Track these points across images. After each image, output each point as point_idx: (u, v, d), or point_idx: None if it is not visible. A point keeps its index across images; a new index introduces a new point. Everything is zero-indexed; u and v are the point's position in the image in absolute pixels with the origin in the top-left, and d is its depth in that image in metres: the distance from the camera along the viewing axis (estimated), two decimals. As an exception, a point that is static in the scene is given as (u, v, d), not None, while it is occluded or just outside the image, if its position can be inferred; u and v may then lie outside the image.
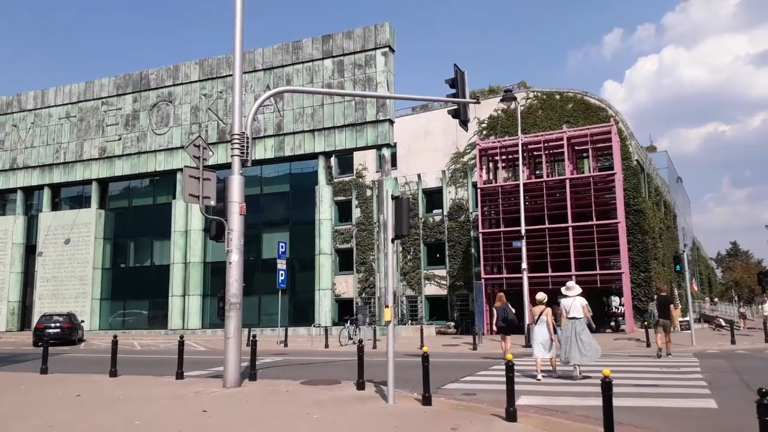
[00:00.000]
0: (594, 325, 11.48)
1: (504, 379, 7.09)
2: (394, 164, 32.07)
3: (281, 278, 22.81)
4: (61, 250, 35.99)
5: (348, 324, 23.52)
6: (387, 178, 29.12)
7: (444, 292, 31.38)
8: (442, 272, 31.55)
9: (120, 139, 35.61)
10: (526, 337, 18.79)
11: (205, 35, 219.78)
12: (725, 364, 13.69)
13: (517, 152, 24.74)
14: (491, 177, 28.73)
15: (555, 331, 11.64)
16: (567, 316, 11.39)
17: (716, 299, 51.88)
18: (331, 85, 30.27)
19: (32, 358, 17.35)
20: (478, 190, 27.70)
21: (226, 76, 32.86)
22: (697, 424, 7.34)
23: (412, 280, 32.03)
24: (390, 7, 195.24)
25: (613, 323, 26.42)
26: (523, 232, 21.90)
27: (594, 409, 7.31)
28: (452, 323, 29.36)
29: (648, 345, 17.83)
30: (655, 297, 17.12)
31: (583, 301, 11.45)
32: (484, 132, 31.56)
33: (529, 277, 21.57)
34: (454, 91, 12.67)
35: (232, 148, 10.75)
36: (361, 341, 10.32)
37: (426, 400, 7.99)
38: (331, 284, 30.86)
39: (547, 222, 25.64)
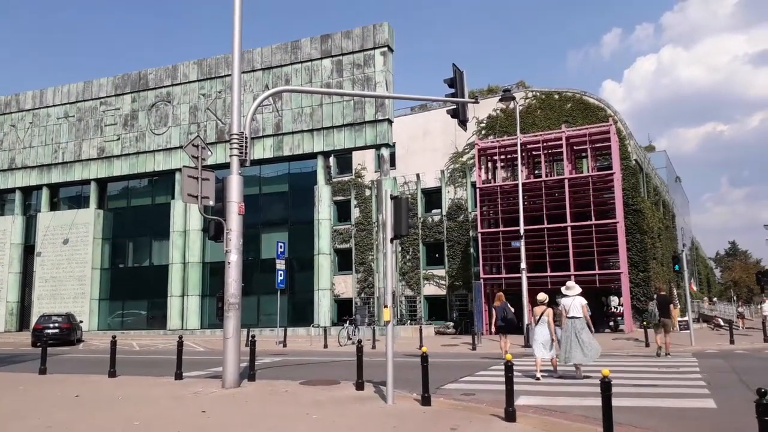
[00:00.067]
0: (592, 327, 11.48)
1: (503, 379, 7.09)
2: (392, 164, 32.07)
3: (280, 278, 22.80)
4: (59, 251, 35.94)
5: (347, 324, 23.51)
6: (386, 178, 29.11)
7: (443, 292, 31.39)
8: (441, 272, 31.56)
9: (118, 139, 35.57)
10: (525, 337, 18.82)
11: (204, 35, 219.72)
12: (724, 363, 13.71)
13: (515, 152, 24.74)
14: (490, 177, 28.73)
15: (555, 331, 11.65)
16: (567, 315, 11.41)
17: (715, 299, 51.93)
18: (329, 85, 30.26)
19: (31, 358, 17.32)
20: (477, 190, 27.71)
21: (225, 75, 32.82)
22: (696, 424, 7.34)
23: (411, 280, 32.03)
24: (389, 7, 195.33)
25: (612, 323, 26.42)
26: (522, 231, 21.92)
27: (593, 409, 7.31)
28: (451, 323, 29.35)
29: (647, 345, 17.84)
30: (655, 296, 17.14)
31: (583, 301, 11.47)
32: (483, 132, 31.57)
33: (528, 277, 21.60)
34: (452, 90, 12.66)
35: (230, 148, 10.74)
36: (360, 341, 10.31)
37: (425, 401, 7.99)
38: (330, 284, 30.84)
39: (545, 222, 25.65)
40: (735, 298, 54.00)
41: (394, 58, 30.26)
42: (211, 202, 10.96)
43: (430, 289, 31.71)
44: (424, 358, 8.20)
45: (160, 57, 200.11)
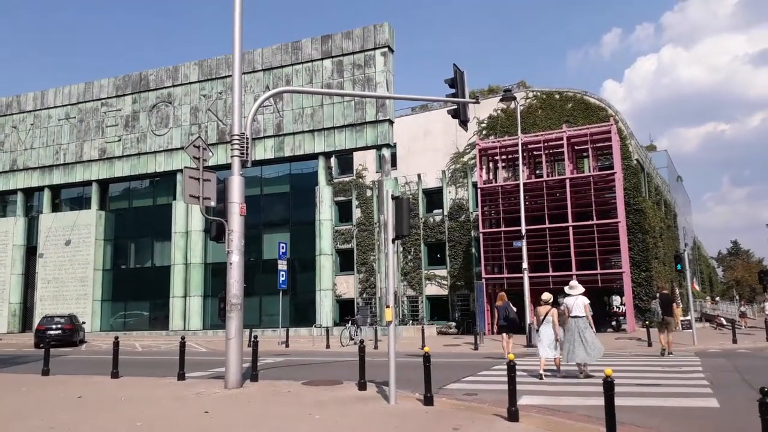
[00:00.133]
0: (593, 327, 11.47)
1: (506, 379, 7.09)
2: (394, 164, 32.06)
3: (282, 279, 22.79)
4: (61, 252, 35.99)
5: (349, 324, 23.52)
6: (387, 179, 29.10)
7: (445, 292, 31.38)
8: (443, 272, 31.55)
9: (120, 140, 35.61)
10: (528, 337, 18.81)
11: (205, 35, 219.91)
12: (727, 363, 13.69)
13: (517, 152, 24.73)
14: (491, 177, 28.71)
15: (558, 331, 11.65)
16: (570, 315, 11.43)
17: (717, 298, 51.82)
18: (330, 86, 30.27)
19: (33, 359, 17.34)
20: (478, 190, 27.69)
21: (226, 76, 32.85)
22: (699, 423, 7.33)
23: (413, 280, 32.02)
24: (389, 7, 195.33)
25: (614, 323, 26.41)
26: (523, 231, 21.90)
27: (596, 408, 7.30)
28: (453, 323, 29.34)
29: (649, 344, 17.81)
30: (658, 295, 17.13)
31: (586, 300, 11.48)
32: (484, 132, 31.57)
33: (530, 277, 21.59)
34: (453, 90, 12.66)
35: (231, 149, 10.74)
36: (362, 341, 10.31)
37: (427, 401, 7.99)
38: (332, 285, 30.84)
39: (547, 222, 25.63)
40: (737, 297, 53.92)
41: (394, 58, 30.29)
42: (213, 203, 10.97)
43: (431, 289, 31.70)
44: (427, 358, 8.20)
45: (160, 57, 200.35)
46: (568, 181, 25.81)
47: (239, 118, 10.87)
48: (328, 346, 20.57)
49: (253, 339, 12.04)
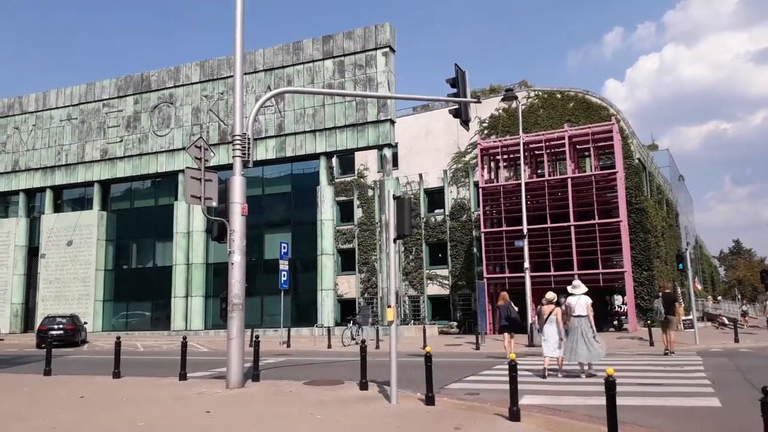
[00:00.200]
0: (594, 327, 11.46)
1: (507, 378, 7.08)
2: (395, 164, 32.05)
3: (283, 279, 22.80)
4: (63, 252, 36.05)
5: (351, 324, 23.51)
6: (388, 178, 29.11)
7: (446, 291, 31.36)
8: (445, 272, 31.53)
9: (121, 140, 35.66)
10: (529, 337, 18.80)
11: (206, 36, 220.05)
12: (728, 362, 13.66)
13: (518, 151, 24.71)
14: (493, 176, 28.70)
15: (561, 330, 11.66)
16: (573, 314, 11.44)
17: (719, 297, 51.72)
18: (331, 86, 30.27)
19: (35, 359, 17.36)
20: (480, 190, 27.67)
21: (227, 77, 32.87)
22: (701, 422, 7.32)
23: (415, 280, 32.01)
24: (390, 7, 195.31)
25: (616, 322, 26.37)
26: (525, 231, 21.88)
27: (598, 408, 7.29)
28: (455, 323, 29.33)
29: (651, 344, 17.79)
30: (660, 294, 17.09)
31: (588, 300, 11.49)
32: (486, 131, 31.55)
33: (532, 277, 21.57)
34: (455, 90, 12.66)
35: (233, 149, 10.75)
36: (363, 341, 10.32)
37: (429, 400, 7.99)
38: (333, 285, 30.86)
39: (549, 221, 25.60)
40: (739, 296, 53.83)
41: (395, 58, 30.28)
42: (214, 203, 10.98)
43: (433, 289, 31.69)
44: (428, 357, 8.20)
45: (161, 57, 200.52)
46: (569, 180, 25.78)
47: (241, 118, 10.88)
48: (329, 346, 20.57)
49: (254, 339, 12.04)
